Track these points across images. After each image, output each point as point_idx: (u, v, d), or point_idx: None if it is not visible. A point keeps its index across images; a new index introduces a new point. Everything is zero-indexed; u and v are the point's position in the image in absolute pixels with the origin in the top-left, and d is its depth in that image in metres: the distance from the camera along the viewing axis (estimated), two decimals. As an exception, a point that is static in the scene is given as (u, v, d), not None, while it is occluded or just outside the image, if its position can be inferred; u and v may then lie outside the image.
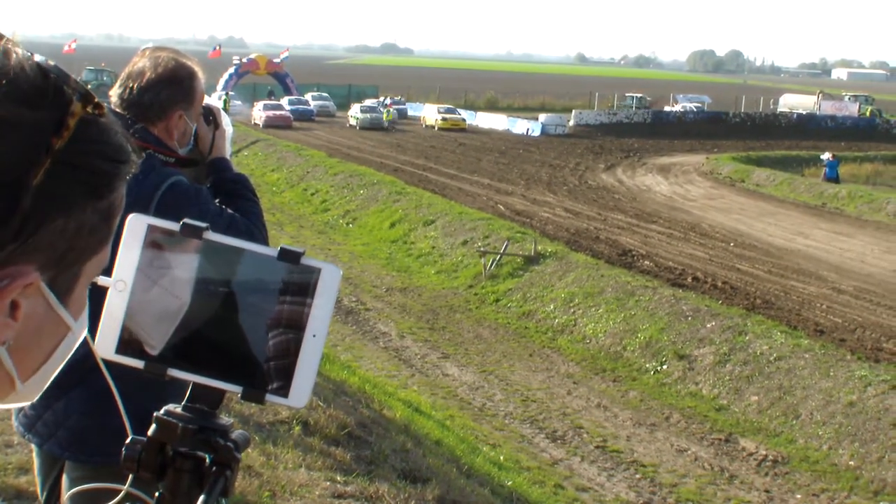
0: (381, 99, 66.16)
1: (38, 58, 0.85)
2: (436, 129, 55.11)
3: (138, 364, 1.10)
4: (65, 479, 2.83)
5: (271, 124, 51.65)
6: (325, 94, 67.81)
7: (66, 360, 0.95)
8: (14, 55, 0.82)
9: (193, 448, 1.08)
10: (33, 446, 2.89)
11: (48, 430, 2.77)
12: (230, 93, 60.29)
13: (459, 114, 58.74)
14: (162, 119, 2.90)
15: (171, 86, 2.89)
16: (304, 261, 1.09)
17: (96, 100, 0.86)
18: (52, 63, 0.85)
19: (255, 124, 52.04)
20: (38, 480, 2.98)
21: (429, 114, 58.66)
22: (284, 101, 59.50)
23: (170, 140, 2.93)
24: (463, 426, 13.82)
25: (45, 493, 2.94)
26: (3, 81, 0.79)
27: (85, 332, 0.95)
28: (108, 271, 1.00)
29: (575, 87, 74.58)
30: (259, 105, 55.75)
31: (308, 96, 64.89)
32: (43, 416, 2.76)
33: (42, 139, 0.80)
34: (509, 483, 10.44)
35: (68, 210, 0.83)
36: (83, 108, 0.84)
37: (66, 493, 2.82)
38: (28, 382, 0.90)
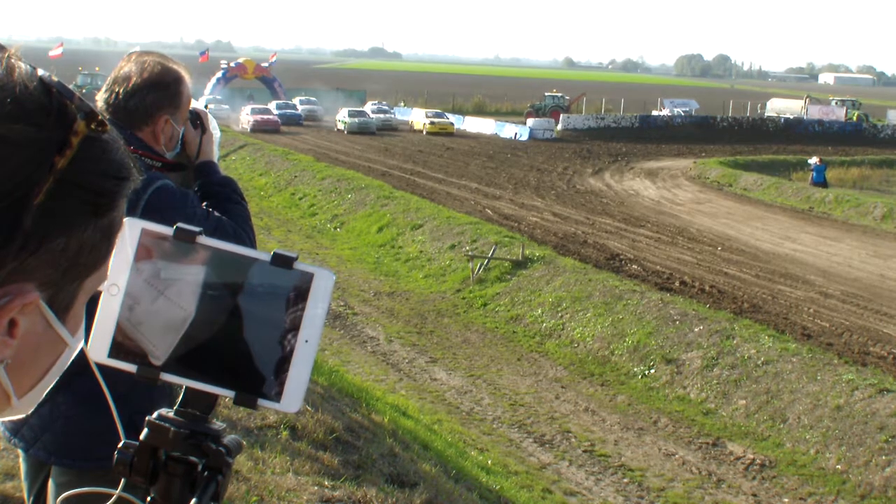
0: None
1: (41, 72, 0.83)
2: (424, 133, 55.03)
3: (131, 368, 1.09)
4: (51, 485, 2.82)
5: (259, 128, 51.46)
6: (312, 99, 67.66)
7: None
8: (17, 71, 0.80)
9: (185, 452, 1.08)
10: (19, 451, 2.88)
11: (34, 434, 2.76)
12: (216, 97, 60.20)
13: (447, 118, 58.62)
14: (148, 123, 2.90)
15: (156, 90, 2.89)
16: (298, 266, 1.08)
17: (100, 117, 0.84)
18: (55, 79, 0.83)
19: (243, 128, 51.83)
20: (24, 485, 2.96)
21: (417, 118, 58.61)
22: (272, 105, 59.32)
23: (156, 144, 2.93)
24: (451, 430, 13.81)
25: (31, 499, 2.93)
26: (8, 100, 0.78)
27: (81, 345, 0.94)
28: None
29: (563, 91, 74.44)
30: (246, 109, 55.55)
31: (296, 100, 64.77)
32: (29, 420, 2.75)
33: (45, 158, 0.79)
34: (497, 487, 10.45)
35: (70, 229, 0.82)
36: (87, 126, 0.82)
37: (52, 498, 2.81)
38: (24, 398, 0.90)
